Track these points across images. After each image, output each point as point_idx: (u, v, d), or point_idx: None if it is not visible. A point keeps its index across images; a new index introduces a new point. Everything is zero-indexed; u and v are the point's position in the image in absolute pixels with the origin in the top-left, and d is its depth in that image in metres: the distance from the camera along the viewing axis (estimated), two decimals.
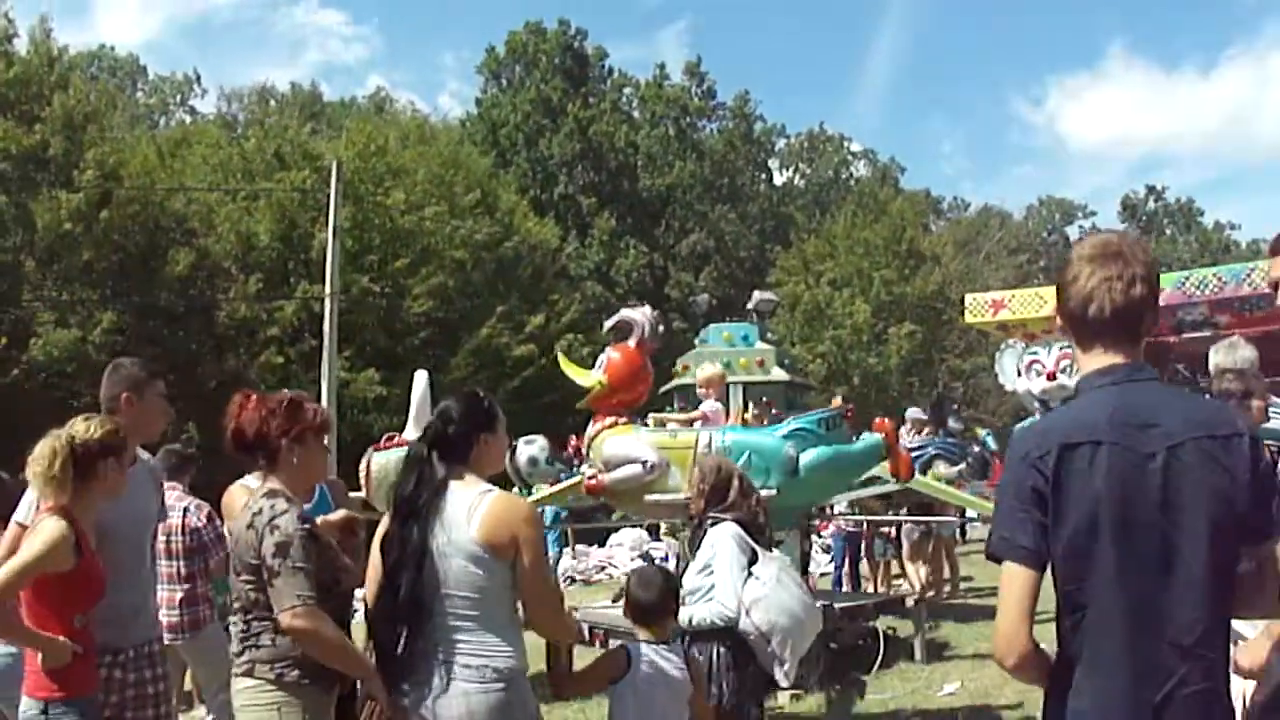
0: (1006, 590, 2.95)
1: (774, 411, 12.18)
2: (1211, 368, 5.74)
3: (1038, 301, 21.20)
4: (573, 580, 24.13)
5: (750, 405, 12.54)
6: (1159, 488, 2.89)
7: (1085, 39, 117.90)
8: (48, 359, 28.56)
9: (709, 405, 10.66)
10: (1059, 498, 2.90)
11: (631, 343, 9.65)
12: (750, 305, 13.21)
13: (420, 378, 8.82)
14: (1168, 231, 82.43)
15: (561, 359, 10.53)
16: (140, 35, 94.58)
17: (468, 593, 4.10)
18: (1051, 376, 10.78)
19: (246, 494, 5.03)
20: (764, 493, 8.86)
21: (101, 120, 33.71)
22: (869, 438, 9.53)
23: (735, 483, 6.30)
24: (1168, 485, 2.88)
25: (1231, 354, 5.81)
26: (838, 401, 14.07)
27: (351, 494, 8.27)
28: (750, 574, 5.90)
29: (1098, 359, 3.05)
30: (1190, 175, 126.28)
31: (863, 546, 17.30)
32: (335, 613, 4.24)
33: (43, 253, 30.18)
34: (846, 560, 17.22)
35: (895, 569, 17.83)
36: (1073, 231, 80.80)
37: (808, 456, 9.23)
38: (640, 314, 9.85)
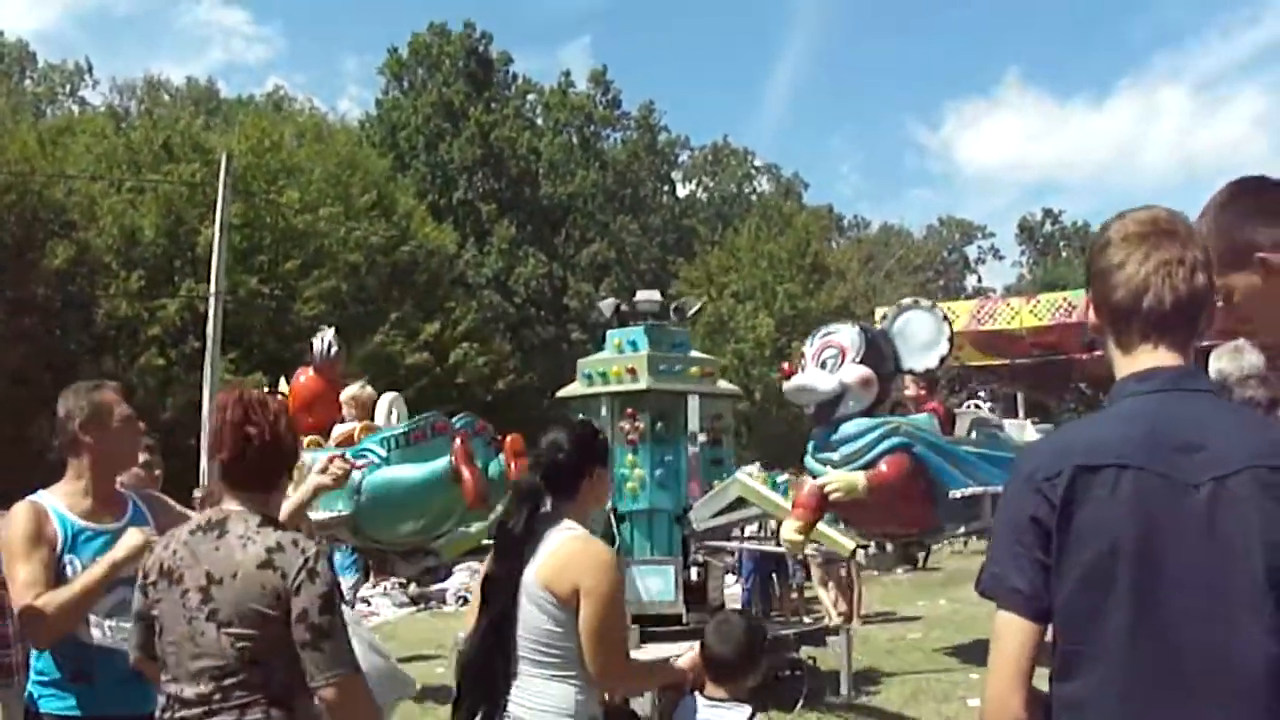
0: (997, 643, 2.36)
1: (637, 425, 11.38)
2: (1214, 374, 4.99)
3: (949, 315, 20.51)
4: (465, 600, 23.11)
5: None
6: (1201, 528, 2.22)
7: (982, 67, 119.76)
8: None
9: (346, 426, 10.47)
10: (1066, 532, 2.28)
11: (311, 369, 9.96)
12: (673, 305, 12.23)
13: (386, 400, 8.66)
14: (1064, 254, 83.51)
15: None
16: (34, 23, 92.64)
17: (532, 636, 3.96)
18: (788, 374, 9.50)
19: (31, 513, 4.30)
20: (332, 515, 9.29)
21: None
22: (436, 463, 9.30)
23: None
24: (1213, 525, 2.22)
25: (1238, 360, 5.04)
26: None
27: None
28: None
29: (1141, 359, 2.42)
30: (1083, 203, 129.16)
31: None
32: None
33: None
34: (756, 581, 16.74)
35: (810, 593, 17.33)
36: (971, 251, 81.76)
37: (370, 480, 9.15)
38: (318, 338, 10.22)
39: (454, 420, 10.37)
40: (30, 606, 4.02)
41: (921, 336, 9.44)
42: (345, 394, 10.75)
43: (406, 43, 55.40)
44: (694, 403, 11.59)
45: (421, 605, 22.54)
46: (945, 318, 9.62)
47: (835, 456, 8.97)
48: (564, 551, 3.99)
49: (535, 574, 3.96)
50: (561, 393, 12.47)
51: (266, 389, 11.91)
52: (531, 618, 3.95)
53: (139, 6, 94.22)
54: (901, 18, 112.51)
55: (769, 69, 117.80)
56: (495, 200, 52.41)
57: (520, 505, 4.12)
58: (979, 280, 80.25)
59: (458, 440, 9.25)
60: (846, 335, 9.24)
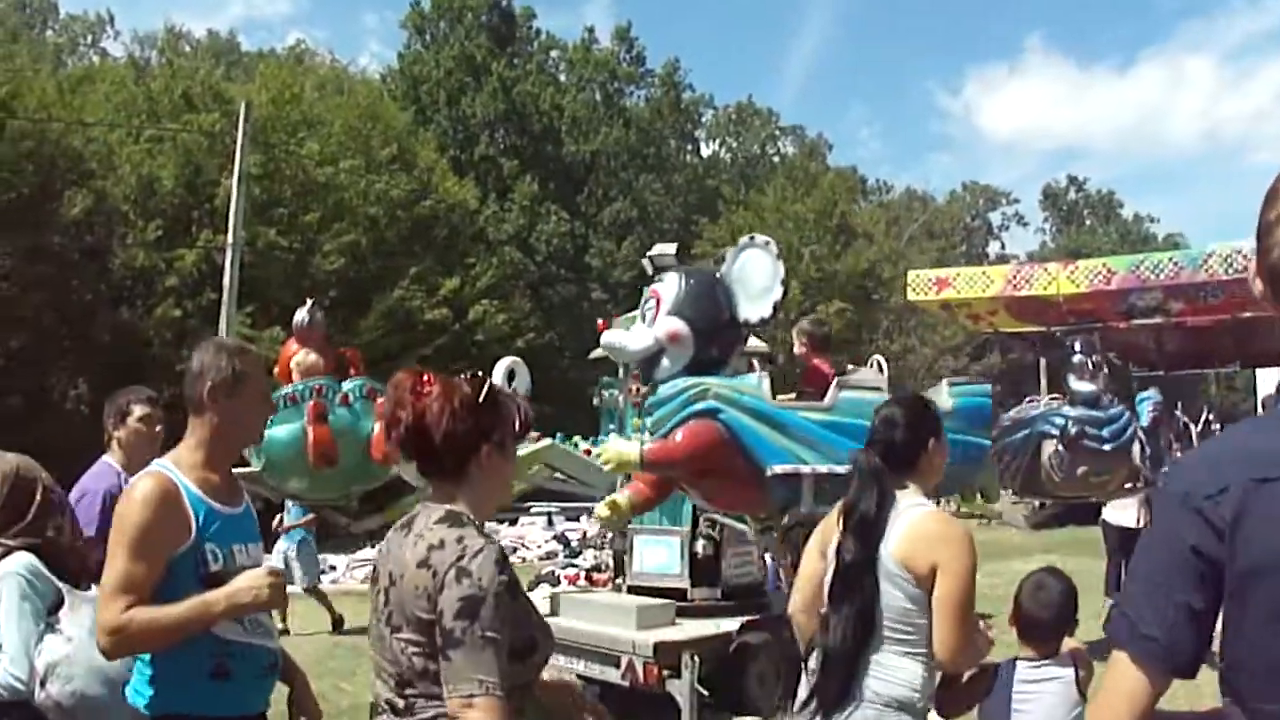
0: (1109, 696, 2.06)
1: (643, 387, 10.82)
2: None
3: (984, 280, 19.98)
4: None
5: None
6: None
7: (1004, 32, 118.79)
8: None
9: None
10: (1240, 562, 1.86)
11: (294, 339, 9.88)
12: (713, 260, 11.67)
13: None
14: (1088, 222, 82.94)
15: None
16: None
17: (888, 615, 4.00)
18: (601, 329, 8.83)
19: (163, 495, 3.70)
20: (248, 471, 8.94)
21: None
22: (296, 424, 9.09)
23: (38, 494, 4.45)
24: None
25: None
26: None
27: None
28: (50, 626, 4.18)
29: None
30: (1104, 169, 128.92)
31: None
32: (521, 695, 3.16)
33: None
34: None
35: None
36: (995, 218, 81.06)
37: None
38: (300, 310, 10.18)
39: (346, 385, 10.04)
40: (116, 617, 3.50)
41: (758, 281, 8.13)
42: (294, 360, 10.46)
43: None
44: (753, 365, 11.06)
45: None
46: (779, 256, 8.20)
47: (650, 422, 8.05)
48: (920, 528, 4.02)
49: (891, 552, 4.01)
50: (594, 354, 11.91)
51: (282, 342, 11.71)
52: (887, 596, 4.00)
53: None
54: None
55: (792, 31, 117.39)
56: (517, 156, 51.94)
57: (868, 485, 4.11)
58: (1002, 247, 79.70)
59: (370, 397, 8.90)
60: (666, 283, 8.15)
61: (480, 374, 3.34)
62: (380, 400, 8.60)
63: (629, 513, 8.49)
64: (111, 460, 5.97)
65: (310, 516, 15.51)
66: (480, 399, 3.21)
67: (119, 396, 6.15)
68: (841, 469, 7.32)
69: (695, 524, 10.62)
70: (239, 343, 4.05)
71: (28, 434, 12.84)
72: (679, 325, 7.90)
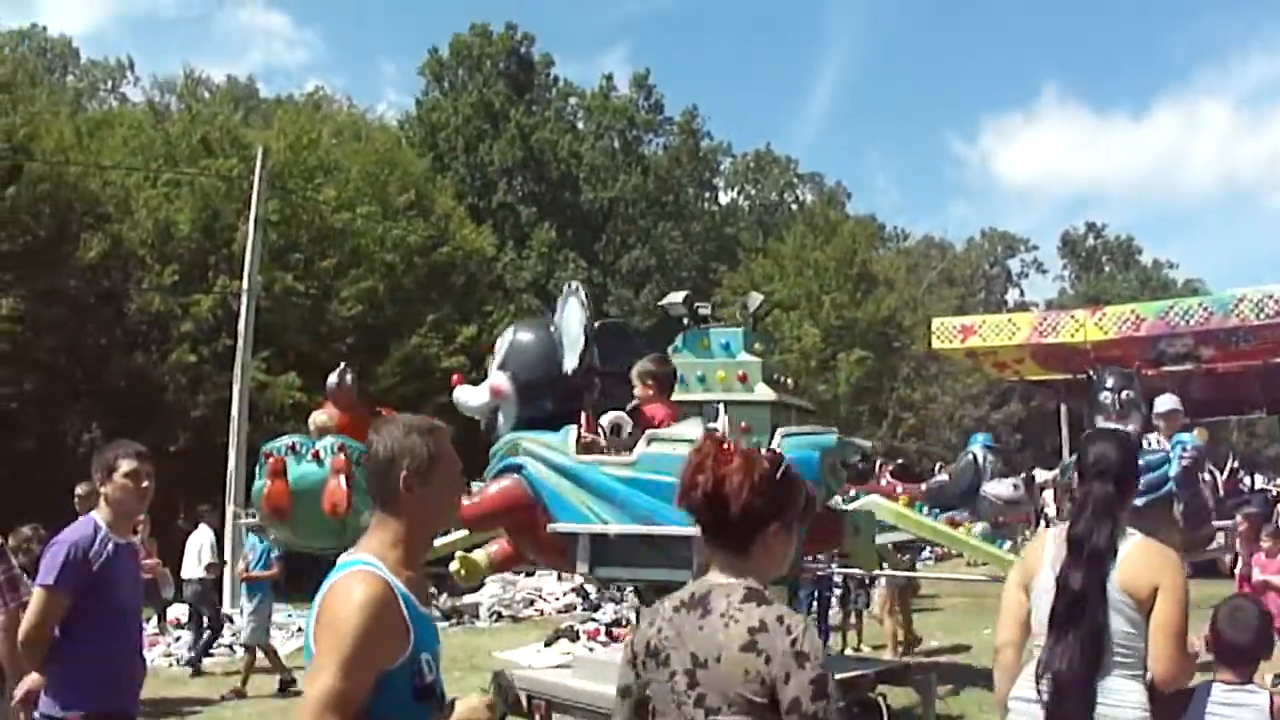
0: None
1: (754, 440, 10.30)
2: None
3: (1009, 328, 19.68)
4: (499, 616, 22.38)
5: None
6: None
7: (1019, 81, 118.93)
8: None
9: None
10: None
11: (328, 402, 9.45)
12: (749, 307, 11.24)
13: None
14: (1107, 268, 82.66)
15: None
16: (80, 25, 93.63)
17: (1113, 641, 4.23)
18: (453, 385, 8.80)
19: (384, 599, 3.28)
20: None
21: (14, 91, 31.65)
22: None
23: None
24: None
25: None
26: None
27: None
28: None
29: None
30: (1122, 216, 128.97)
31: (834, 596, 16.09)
32: None
33: None
34: (813, 610, 15.83)
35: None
36: (1014, 265, 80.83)
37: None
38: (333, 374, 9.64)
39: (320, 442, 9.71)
40: None
41: (573, 330, 8.09)
42: (311, 419, 9.97)
43: (448, 43, 55.05)
44: (794, 417, 10.70)
45: (455, 620, 21.83)
46: (586, 304, 8.18)
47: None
48: (1140, 555, 4.32)
49: (1115, 579, 4.28)
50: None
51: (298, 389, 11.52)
52: (1112, 621, 4.26)
53: (182, 10, 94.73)
54: (939, 32, 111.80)
55: (807, 81, 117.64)
56: (535, 203, 51.89)
57: (1102, 517, 4.35)
58: (1021, 294, 79.41)
59: (339, 452, 8.60)
60: (501, 337, 8.44)
61: (777, 450, 3.61)
62: (341, 456, 8.41)
63: (487, 570, 8.42)
64: (97, 516, 5.65)
65: (273, 571, 15.32)
66: (777, 476, 3.24)
67: (106, 451, 5.85)
68: (633, 529, 7.39)
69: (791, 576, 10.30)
70: (428, 420, 3.65)
71: (39, 477, 12.61)
72: (500, 380, 8.02)
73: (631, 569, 7.67)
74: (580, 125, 57.17)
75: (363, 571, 3.29)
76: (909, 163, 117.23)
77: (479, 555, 8.22)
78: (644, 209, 54.41)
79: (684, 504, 3.30)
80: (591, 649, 16.82)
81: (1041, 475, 18.84)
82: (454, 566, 8.26)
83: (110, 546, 5.52)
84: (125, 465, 5.66)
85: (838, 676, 8.77)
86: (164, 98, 55.70)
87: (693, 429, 7.63)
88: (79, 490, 12.08)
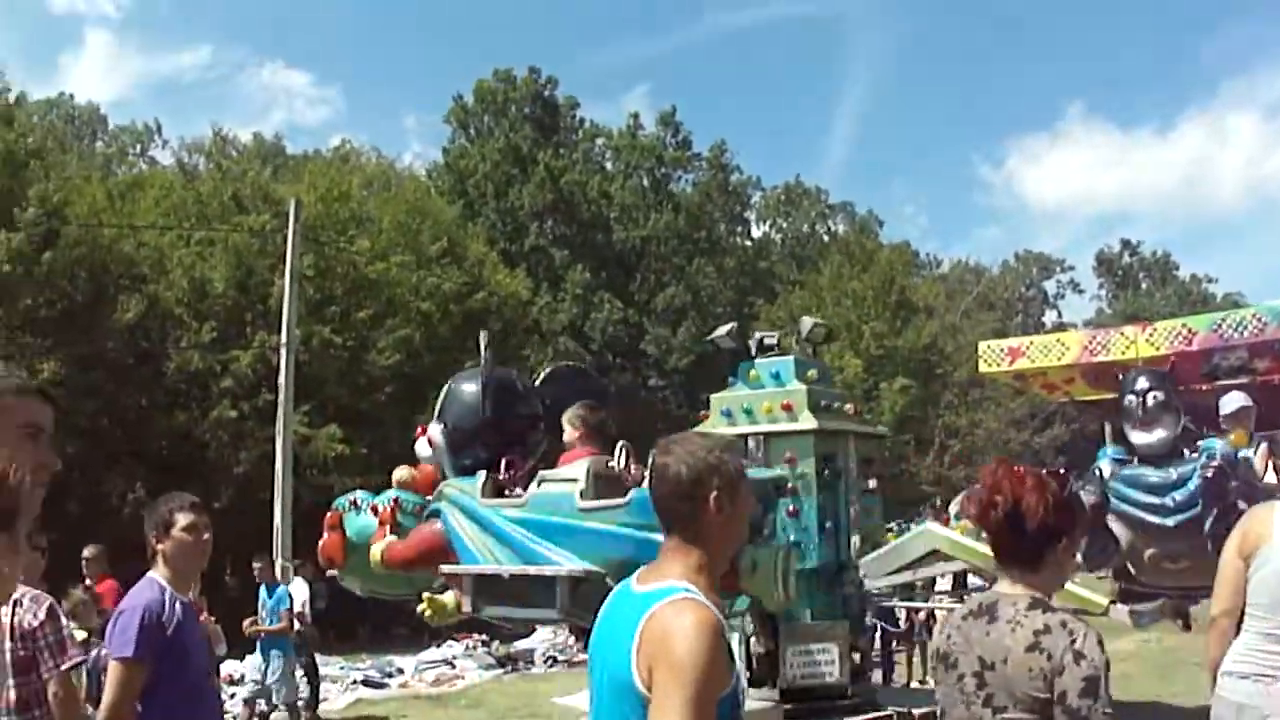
0: None
1: (800, 471, 9.97)
2: None
3: (1059, 348, 19.54)
4: (554, 662, 22.06)
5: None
6: None
7: (1043, 101, 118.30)
8: None
9: None
10: None
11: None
12: (803, 333, 10.91)
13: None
14: (1144, 285, 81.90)
15: None
16: (106, 93, 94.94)
17: None
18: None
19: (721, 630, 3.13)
20: None
21: (47, 158, 31.74)
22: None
23: None
24: None
25: None
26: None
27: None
28: None
29: None
30: (1153, 232, 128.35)
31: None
32: None
33: None
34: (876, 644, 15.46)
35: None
36: (1050, 286, 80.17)
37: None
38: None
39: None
40: None
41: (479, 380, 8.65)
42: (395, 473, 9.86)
43: (471, 90, 55.11)
44: (851, 445, 10.37)
45: (509, 667, 21.54)
46: (486, 347, 8.86)
47: None
48: None
49: None
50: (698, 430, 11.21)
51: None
52: None
53: (205, 74, 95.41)
54: (958, 56, 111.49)
55: (830, 112, 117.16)
56: (567, 246, 51.76)
57: None
58: (1059, 315, 78.65)
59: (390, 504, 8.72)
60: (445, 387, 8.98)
61: (1063, 471, 3.78)
62: (387, 509, 8.60)
63: (455, 611, 8.29)
64: (157, 576, 5.33)
65: (282, 625, 15.06)
66: (1064, 494, 3.55)
67: (160, 505, 5.51)
68: (512, 569, 7.54)
69: (852, 617, 10.00)
70: (723, 436, 3.55)
71: (84, 540, 12.45)
72: (434, 431, 8.44)
73: (512, 608, 7.79)
74: (609, 165, 57.05)
75: (690, 600, 3.09)
76: (936, 189, 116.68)
77: (448, 597, 8.21)
78: (676, 246, 54.13)
79: (981, 523, 3.61)
80: None
81: None
82: (421, 607, 8.31)
83: (179, 607, 5.22)
84: (183, 519, 5.37)
85: (894, 709, 8.51)
86: (192, 158, 56.01)
87: (578, 469, 7.72)
88: (87, 553, 11.94)
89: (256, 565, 15.75)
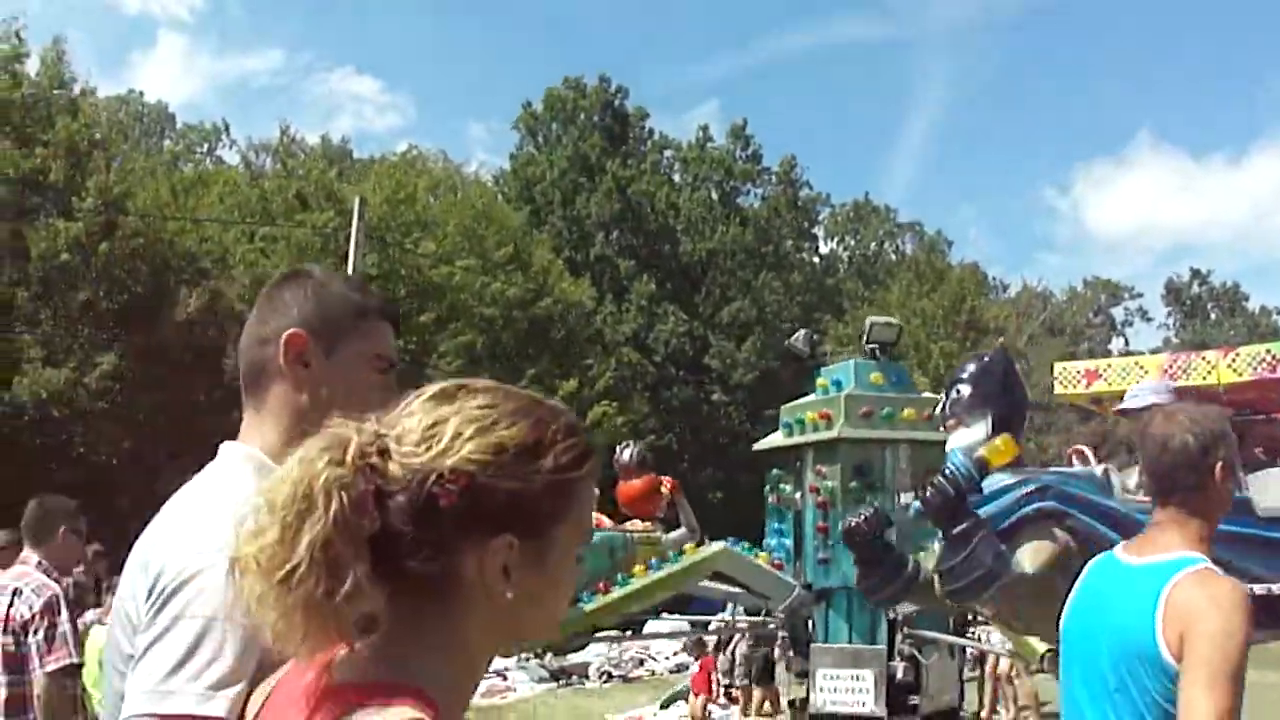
0: None
1: (828, 483, 9.39)
2: None
3: (1137, 371, 18.74)
4: (609, 677, 21.36)
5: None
6: None
7: (1110, 127, 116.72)
8: (34, 399, 26.04)
9: None
10: None
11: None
12: (866, 337, 10.21)
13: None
14: (1212, 315, 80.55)
15: None
16: (177, 95, 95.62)
17: None
18: None
19: None
20: None
21: (110, 149, 31.39)
22: None
23: None
24: None
25: None
26: None
27: None
28: None
29: None
30: (1221, 263, 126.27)
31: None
32: None
33: (38, 285, 27.79)
34: None
35: None
36: (1118, 313, 78.89)
37: None
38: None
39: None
40: None
41: None
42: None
43: (541, 98, 54.70)
44: (902, 454, 9.59)
45: (562, 681, 20.83)
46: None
47: None
48: None
49: None
50: (759, 445, 10.61)
51: None
52: None
53: (275, 78, 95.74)
54: (1025, 80, 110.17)
55: (895, 135, 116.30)
56: (633, 256, 51.26)
57: None
58: (1125, 343, 77.20)
59: None
60: None
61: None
62: None
63: None
64: None
65: None
66: None
67: None
68: None
69: (892, 640, 9.28)
70: (1215, 406, 3.36)
71: (134, 536, 11.85)
72: None
73: None
74: (677, 177, 56.48)
75: (1214, 573, 3.15)
76: (1001, 213, 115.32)
77: None
78: (743, 260, 53.43)
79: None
80: (710, 712, 16.25)
81: None
82: None
83: None
84: None
85: None
86: (259, 158, 55.86)
87: None
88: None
89: None
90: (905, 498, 9.57)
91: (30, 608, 4.90)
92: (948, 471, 6.62)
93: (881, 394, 9.63)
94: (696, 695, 15.99)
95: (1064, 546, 6.15)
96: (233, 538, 1.50)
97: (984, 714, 15.08)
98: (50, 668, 4.82)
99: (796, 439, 9.71)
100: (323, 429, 1.55)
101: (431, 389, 1.64)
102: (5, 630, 4.91)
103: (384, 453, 1.51)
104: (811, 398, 9.92)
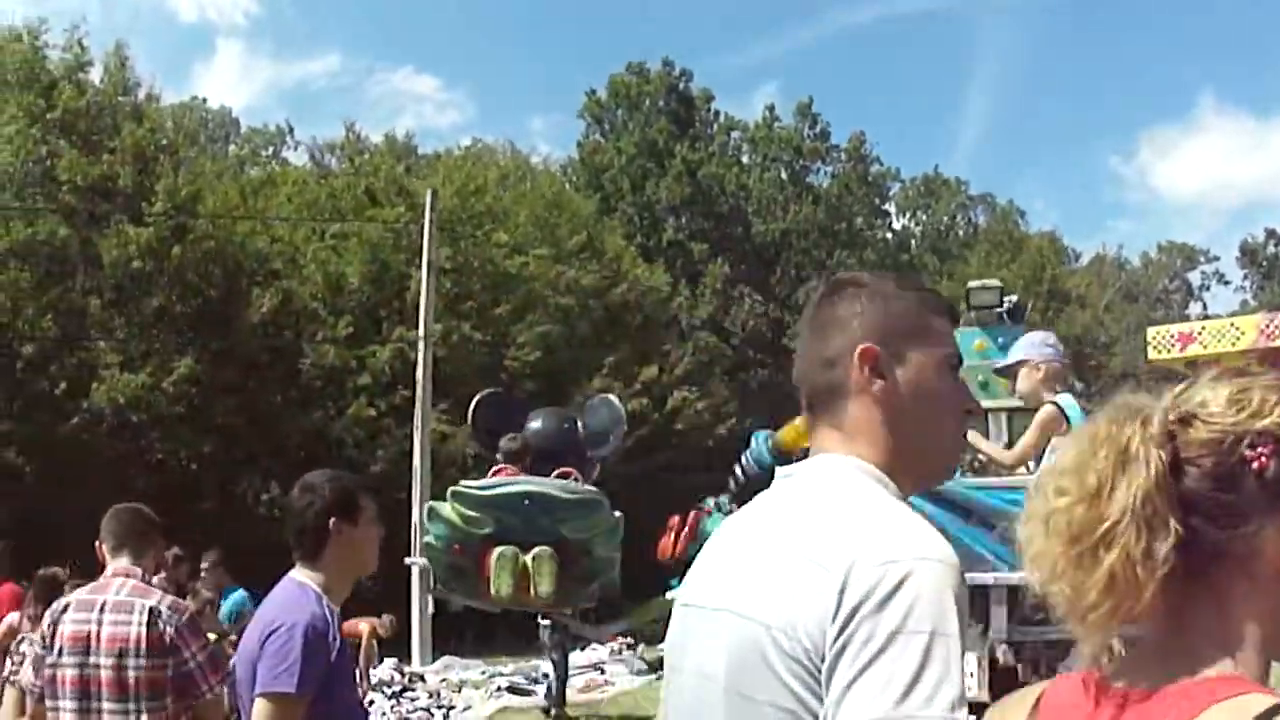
0: None
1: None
2: None
3: (1233, 333, 18.02)
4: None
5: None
6: None
7: (1173, 91, 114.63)
8: (112, 405, 25.89)
9: None
10: None
11: None
12: (966, 302, 9.63)
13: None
14: None
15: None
16: (238, 101, 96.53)
17: None
18: None
19: None
20: None
21: (177, 154, 31.24)
22: None
23: None
24: None
25: None
26: None
27: None
28: None
29: None
30: None
31: None
32: None
33: (111, 292, 27.69)
34: None
35: None
36: (1194, 278, 77.47)
37: None
38: None
39: None
40: None
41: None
42: None
43: (605, 85, 54.25)
44: (1004, 424, 9.05)
45: (660, 671, 20.14)
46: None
47: None
48: None
49: None
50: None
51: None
52: None
53: (335, 80, 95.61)
54: (1085, 49, 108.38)
55: (956, 109, 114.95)
56: (706, 240, 50.59)
57: None
58: (1204, 308, 75.63)
59: None
60: None
61: None
62: None
63: None
64: (307, 580, 3.81)
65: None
66: None
67: (331, 484, 3.94)
68: None
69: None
70: None
71: (220, 538, 11.58)
72: None
73: None
74: (745, 158, 55.81)
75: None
76: (1066, 182, 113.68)
77: None
78: (817, 239, 52.81)
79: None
80: None
81: None
82: None
83: (336, 623, 3.76)
84: (369, 507, 3.97)
85: None
86: (325, 158, 55.67)
87: None
88: (210, 559, 10.95)
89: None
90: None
91: (173, 628, 4.41)
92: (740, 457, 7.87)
93: (986, 361, 9.08)
94: None
95: None
96: (1036, 502, 1.56)
97: None
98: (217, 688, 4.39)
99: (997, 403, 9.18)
100: (1114, 403, 1.59)
101: (1211, 371, 1.63)
102: (152, 653, 4.42)
103: (1184, 420, 1.50)
104: (971, 360, 9.32)
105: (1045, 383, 6.97)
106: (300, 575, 3.83)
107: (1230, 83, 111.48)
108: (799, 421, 6.91)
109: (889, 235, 61.61)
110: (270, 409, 28.95)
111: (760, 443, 8.21)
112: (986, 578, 7.22)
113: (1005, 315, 9.73)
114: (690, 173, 50.73)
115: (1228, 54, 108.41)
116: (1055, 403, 6.77)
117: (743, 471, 8.19)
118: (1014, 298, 10.26)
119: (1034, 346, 7.20)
